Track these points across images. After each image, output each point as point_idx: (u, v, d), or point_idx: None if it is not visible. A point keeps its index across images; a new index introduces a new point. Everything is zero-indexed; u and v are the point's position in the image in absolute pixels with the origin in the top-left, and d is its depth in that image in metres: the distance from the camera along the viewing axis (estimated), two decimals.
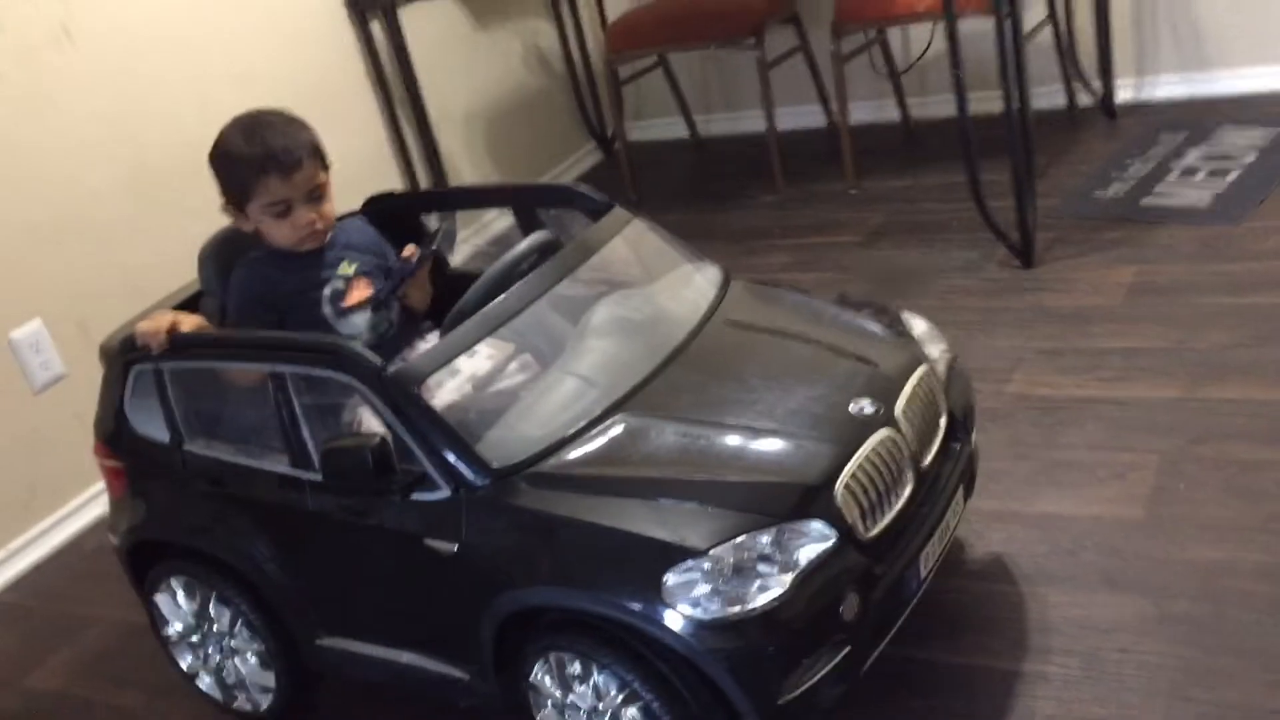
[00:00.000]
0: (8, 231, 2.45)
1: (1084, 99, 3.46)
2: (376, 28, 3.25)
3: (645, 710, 1.45)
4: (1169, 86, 3.43)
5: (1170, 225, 2.75)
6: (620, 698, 1.46)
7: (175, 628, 1.90)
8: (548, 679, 1.54)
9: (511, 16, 3.76)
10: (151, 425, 1.80)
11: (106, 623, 2.28)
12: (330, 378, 1.59)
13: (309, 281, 1.80)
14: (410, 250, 1.84)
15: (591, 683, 1.49)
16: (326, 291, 1.80)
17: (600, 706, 1.49)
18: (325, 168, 1.80)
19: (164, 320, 1.74)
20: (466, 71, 3.60)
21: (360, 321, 1.81)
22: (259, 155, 1.73)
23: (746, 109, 3.90)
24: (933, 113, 3.67)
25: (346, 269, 1.83)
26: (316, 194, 1.78)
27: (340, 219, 1.89)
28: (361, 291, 1.81)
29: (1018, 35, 2.64)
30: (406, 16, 3.25)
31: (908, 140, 3.69)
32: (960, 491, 1.67)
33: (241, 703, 1.90)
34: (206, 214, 2.07)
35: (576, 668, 1.50)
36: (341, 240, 1.86)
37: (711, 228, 3.36)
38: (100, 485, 2.54)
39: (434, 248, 1.84)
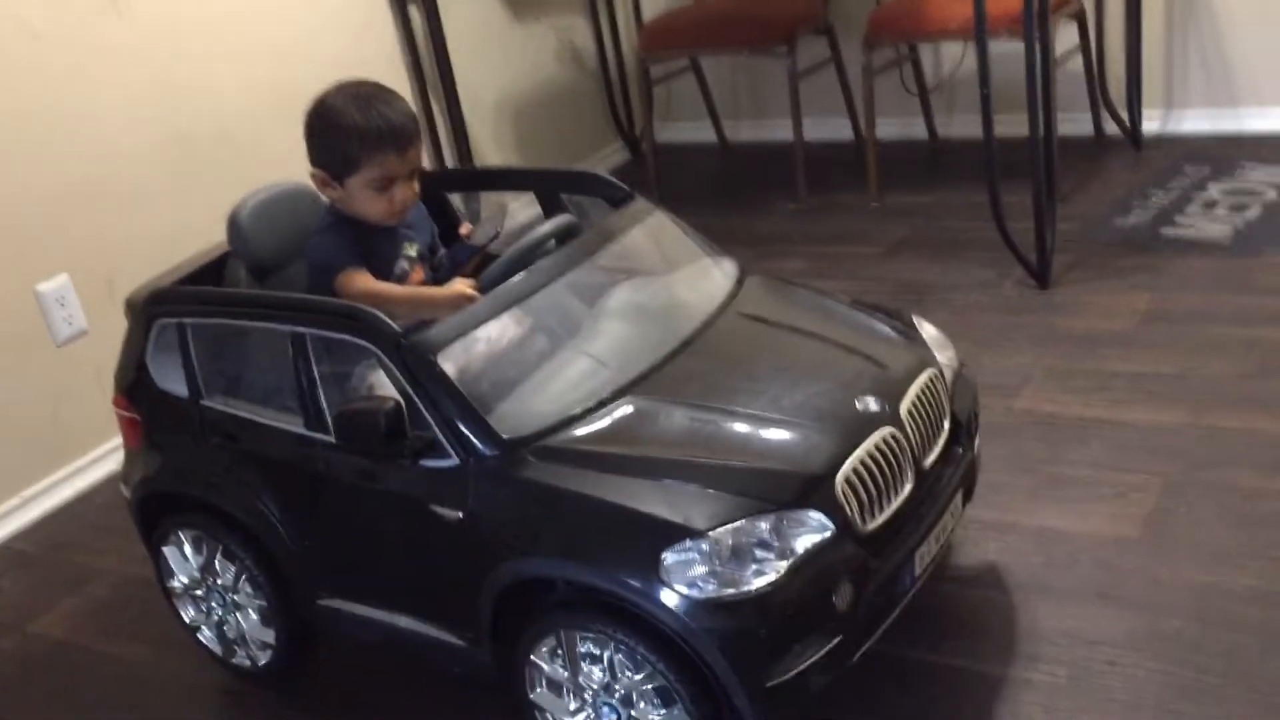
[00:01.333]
0: (44, 189, 2.50)
1: (1110, 128, 3.48)
2: (415, 12, 3.29)
3: (661, 689, 1.47)
4: (1195, 121, 3.44)
5: (1188, 256, 2.77)
6: (639, 676, 1.48)
7: (180, 580, 1.93)
8: (551, 657, 1.56)
9: (549, 11, 3.80)
10: (171, 379, 1.83)
11: (112, 575, 2.32)
12: (349, 342, 1.62)
13: (384, 258, 1.81)
14: (466, 229, 1.86)
15: (606, 661, 1.51)
16: (397, 271, 1.82)
17: (614, 685, 1.51)
18: None
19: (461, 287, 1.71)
20: (500, 62, 3.64)
21: None
22: (378, 128, 1.72)
23: (774, 117, 3.93)
24: (958, 132, 3.70)
25: (410, 250, 1.85)
26: (415, 172, 1.80)
27: None
28: (418, 275, 1.84)
29: (1047, 60, 2.66)
30: (445, 3, 3.30)
31: (932, 158, 3.72)
32: (959, 495, 1.69)
33: (240, 658, 1.93)
34: (236, 183, 2.11)
35: (590, 646, 1.51)
36: (409, 217, 1.87)
37: (731, 231, 3.36)
38: (113, 441, 2.60)
39: (493, 234, 1.83)
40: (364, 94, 1.76)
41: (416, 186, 1.82)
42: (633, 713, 1.51)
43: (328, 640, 1.89)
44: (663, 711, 1.49)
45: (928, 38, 3.33)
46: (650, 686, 1.48)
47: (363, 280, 1.75)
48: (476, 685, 1.73)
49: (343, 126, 1.73)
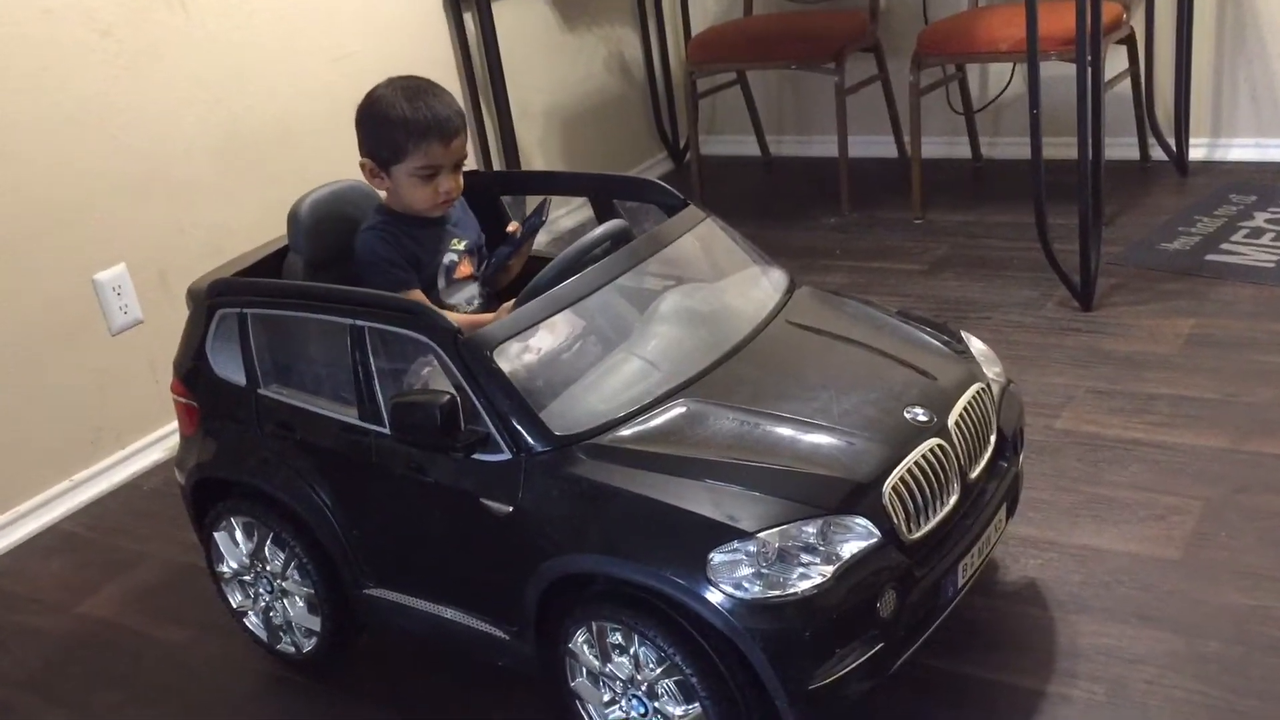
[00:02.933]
0: (104, 180, 2.55)
1: (1157, 153, 3.49)
2: (469, 19, 3.34)
3: (682, 685, 1.50)
4: (1243, 150, 3.44)
5: (1232, 283, 2.77)
6: (659, 670, 1.51)
7: (230, 565, 1.96)
8: (587, 647, 1.59)
9: (599, 21, 3.85)
10: (229, 368, 1.87)
11: (159, 560, 2.36)
12: (407, 336, 1.66)
13: (430, 251, 1.90)
14: (514, 226, 1.92)
15: (632, 653, 1.53)
16: (445, 262, 1.89)
17: (639, 677, 1.54)
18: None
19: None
20: (550, 69, 3.68)
21: (462, 295, 1.91)
22: (424, 120, 1.81)
23: (819, 133, 3.95)
24: (1003, 153, 3.71)
25: (458, 244, 1.93)
26: (460, 164, 1.88)
27: None
28: (467, 267, 1.90)
29: (1098, 84, 2.68)
30: (499, 11, 3.34)
31: (976, 177, 3.73)
32: (1003, 509, 1.71)
33: (285, 644, 1.96)
34: (289, 181, 2.17)
35: (618, 638, 1.54)
36: (455, 215, 1.96)
37: (773, 243, 3.34)
38: (163, 429, 2.65)
39: (540, 219, 1.91)
40: (413, 87, 1.86)
41: (461, 180, 1.89)
42: (656, 704, 1.54)
43: (373, 629, 1.91)
44: (684, 706, 1.51)
45: (977, 58, 3.35)
46: (671, 681, 1.50)
47: (418, 299, 1.82)
48: (520, 677, 1.75)
49: (391, 117, 1.82)
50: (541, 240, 3.33)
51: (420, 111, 1.82)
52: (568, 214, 3.46)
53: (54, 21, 2.43)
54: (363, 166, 1.89)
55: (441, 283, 1.90)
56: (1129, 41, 3.26)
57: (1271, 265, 2.81)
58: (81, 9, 2.48)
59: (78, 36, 2.48)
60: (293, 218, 1.97)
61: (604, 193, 2.08)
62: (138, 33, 2.58)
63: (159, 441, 2.67)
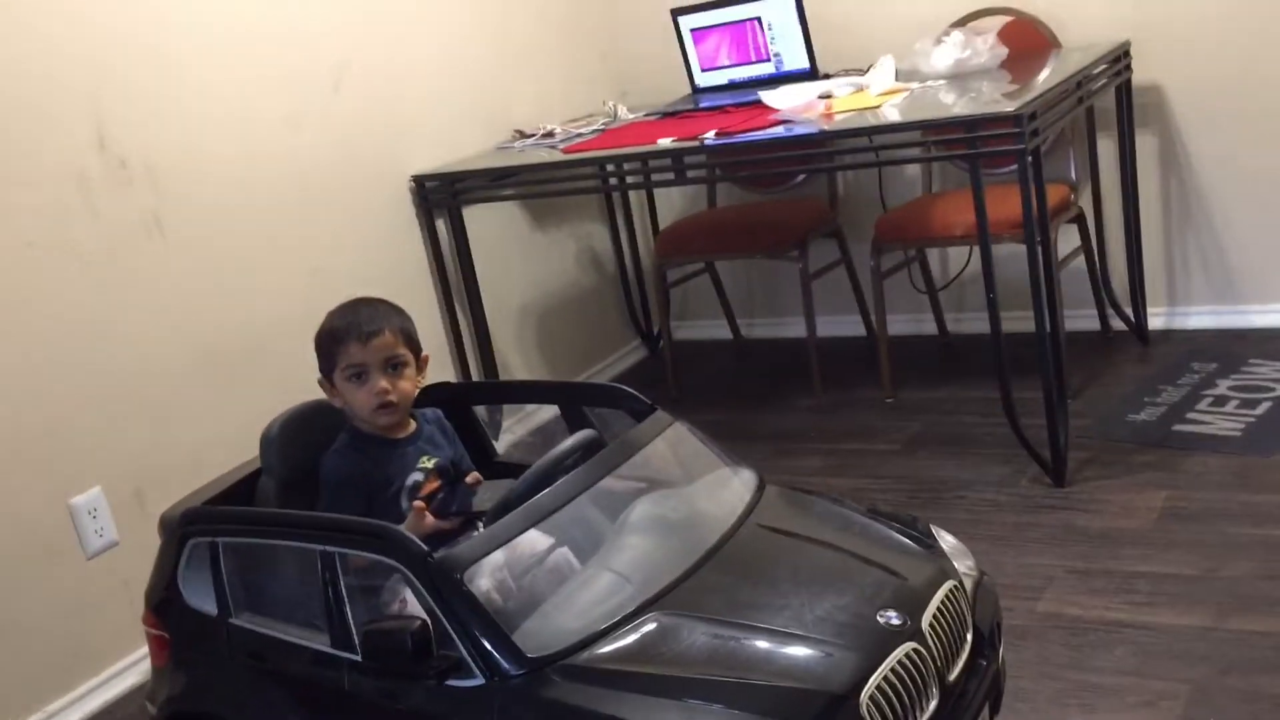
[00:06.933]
0: (79, 402, 2.57)
1: (1117, 324, 3.57)
2: (441, 225, 3.45)
3: None
4: (1200, 317, 3.53)
5: (1201, 453, 2.80)
6: None
7: None
8: None
9: (569, 219, 3.97)
10: (201, 597, 1.86)
11: None
12: (376, 560, 1.66)
13: (395, 470, 1.94)
14: (474, 479, 1.94)
15: None
16: (409, 483, 1.91)
17: None
18: (412, 349, 1.99)
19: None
20: (523, 268, 3.78)
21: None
22: (344, 325, 1.95)
23: (788, 315, 4.04)
24: (970, 328, 3.79)
25: (426, 462, 1.96)
26: (394, 364, 1.95)
27: (419, 409, 2.03)
28: (433, 485, 1.92)
29: (1049, 262, 2.77)
30: (470, 215, 3.45)
31: (945, 353, 3.80)
32: (986, 709, 1.69)
33: None
34: (267, 396, 2.20)
35: None
36: (425, 433, 2.01)
37: (749, 428, 3.44)
38: (138, 653, 2.60)
39: (487, 511, 1.81)
40: (351, 304, 2.00)
41: (405, 385, 1.96)
42: None
43: None
44: None
45: (934, 243, 3.46)
46: None
47: None
48: None
49: (323, 331, 1.98)
50: (507, 442, 3.37)
51: (344, 318, 1.96)
52: (537, 411, 3.51)
53: (37, 253, 2.50)
54: (320, 385, 2.01)
55: (404, 504, 1.91)
56: (1079, 220, 3.37)
57: (1238, 434, 2.85)
58: (64, 242, 2.55)
59: (60, 266, 2.54)
60: (265, 440, 2.00)
61: (573, 400, 2.12)
62: (115, 257, 2.64)
63: (134, 665, 2.62)
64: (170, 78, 2.78)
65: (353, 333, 1.94)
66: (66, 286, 2.56)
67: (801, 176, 3.81)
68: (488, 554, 1.64)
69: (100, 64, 2.63)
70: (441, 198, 3.39)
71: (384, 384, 1.94)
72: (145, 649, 2.25)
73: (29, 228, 2.49)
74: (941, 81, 3.11)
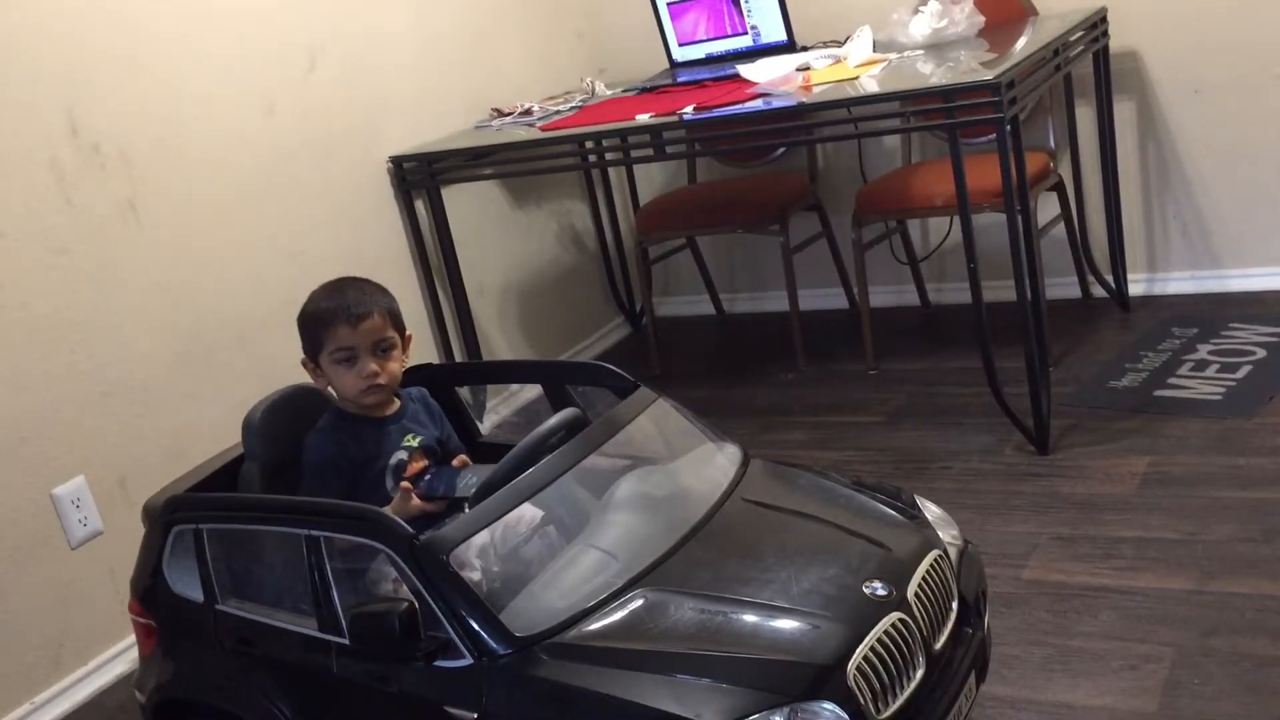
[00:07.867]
0: (61, 392, 2.56)
1: (1098, 291, 3.58)
2: (420, 206, 3.43)
3: None
4: (1179, 282, 3.54)
5: (1183, 418, 2.82)
6: None
7: None
8: None
9: (548, 198, 3.96)
10: (186, 584, 1.86)
11: None
12: (362, 543, 1.66)
13: (378, 449, 1.93)
14: (461, 460, 1.93)
15: None
16: (393, 461, 1.91)
17: None
18: (398, 330, 1.97)
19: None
20: (503, 247, 3.76)
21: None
22: (332, 307, 1.93)
23: (770, 289, 4.04)
24: (951, 298, 3.80)
25: (411, 441, 1.95)
26: (383, 346, 1.94)
27: (404, 388, 2.02)
28: (418, 466, 1.91)
29: (1029, 231, 2.77)
30: (449, 195, 3.44)
31: (927, 324, 3.81)
32: (973, 677, 1.70)
33: None
34: (249, 382, 2.19)
35: None
36: (410, 411, 1.99)
37: (733, 403, 3.45)
38: (125, 642, 2.60)
39: (467, 494, 1.82)
40: (336, 284, 1.98)
41: (393, 366, 1.96)
42: None
43: None
44: None
45: (914, 214, 3.46)
46: None
47: None
48: None
49: (308, 312, 1.96)
50: (492, 422, 3.37)
51: (331, 300, 1.94)
52: (521, 391, 3.50)
53: (9, 243, 2.48)
54: (304, 366, 1.99)
55: (389, 482, 1.90)
56: (1059, 188, 3.38)
57: (1218, 398, 2.86)
58: (38, 230, 2.53)
59: (35, 256, 2.52)
60: (247, 425, 1.99)
61: (556, 379, 2.11)
62: (91, 246, 2.62)
63: (122, 654, 2.62)
64: (143, 62, 2.75)
65: (341, 315, 1.92)
66: (42, 276, 2.53)
67: (781, 150, 3.81)
68: (473, 535, 1.65)
69: (70, 48, 2.60)
70: (420, 178, 3.37)
71: (374, 367, 1.93)
72: (132, 637, 2.25)
73: (0, 217, 2.47)
74: (919, 51, 3.10)
